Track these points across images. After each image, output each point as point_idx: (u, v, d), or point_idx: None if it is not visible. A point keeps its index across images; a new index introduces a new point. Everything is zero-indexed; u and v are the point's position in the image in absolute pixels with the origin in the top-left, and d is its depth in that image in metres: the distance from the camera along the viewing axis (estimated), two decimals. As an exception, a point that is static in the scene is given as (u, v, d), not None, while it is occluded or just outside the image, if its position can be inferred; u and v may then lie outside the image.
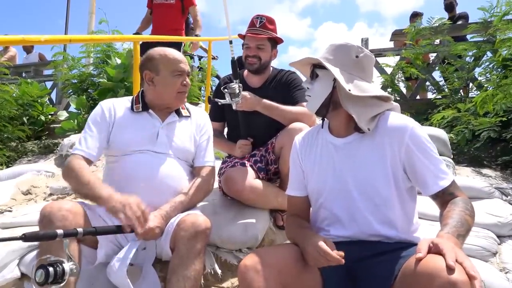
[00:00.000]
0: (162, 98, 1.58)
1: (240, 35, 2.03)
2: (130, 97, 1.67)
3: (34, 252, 1.62)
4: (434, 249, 0.89)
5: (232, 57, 1.91)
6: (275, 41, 2.00)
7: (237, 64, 1.86)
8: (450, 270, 0.83)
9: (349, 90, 1.13)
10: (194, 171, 1.64)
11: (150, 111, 1.59)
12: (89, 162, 1.49)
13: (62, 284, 0.97)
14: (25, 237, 0.97)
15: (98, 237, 1.35)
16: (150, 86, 1.58)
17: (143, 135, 1.53)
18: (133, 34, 4.01)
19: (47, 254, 1.12)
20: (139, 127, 1.55)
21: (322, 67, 1.20)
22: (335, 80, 1.18)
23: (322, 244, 1.04)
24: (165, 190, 1.48)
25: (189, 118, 1.67)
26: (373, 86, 1.22)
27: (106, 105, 1.59)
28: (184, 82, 1.58)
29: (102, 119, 1.54)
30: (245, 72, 2.09)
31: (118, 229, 1.28)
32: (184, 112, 1.67)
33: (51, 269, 0.95)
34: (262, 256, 1.08)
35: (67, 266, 0.98)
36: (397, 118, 1.18)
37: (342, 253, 1.03)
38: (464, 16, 5.20)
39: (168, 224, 1.40)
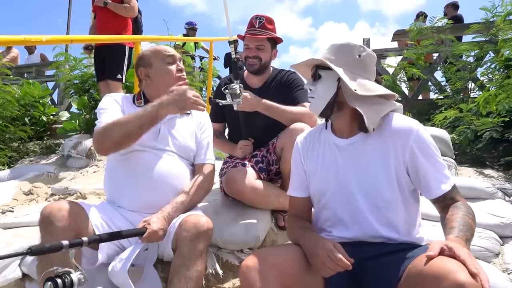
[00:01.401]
0: (161, 89, 1.55)
1: (239, 36, 2.03)
2: (131, 94, 1.68)
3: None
4: (449, 253, 0.89)
5: (233, 58, 1.91)
6: (275, 41, 1.99)
7: (227, 61, 1.87)
8: (460, 268, 0.83)
9: (355, 90, 1.12)
10: (194, 169, 1.64)
11: None
12: None
13: None
14: (32, 252, 0.97)
15: None
16: (147, 81, 1.60)
17: None
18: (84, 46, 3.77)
19: (48, 261, 1.12)
20: None
21: (325, 67, 1.19)
22: (339, 80, 1.17)
23: (335, 251, 1.03)
24: (167, 190, 1.48)
25: (190, 115, 1.68)
26: (377, 85, 1.21)
27: (114, 96, 1.60)
28: (179, 67, 1.60)
29: (115, 103, 1.55)
30: (245, 72, 2.08)
31: (123, 235, 1.28)
32: None
33: (59, 280, 0.94)
34: (263, 257, 1.08)
35: (75, 276, 0.97)
36: (402, 120, 1.17)
37: (352, 260, 1.03)
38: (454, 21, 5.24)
39: (170, 224, 1.40)
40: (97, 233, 1.32)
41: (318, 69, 1.22)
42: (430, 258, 0.89)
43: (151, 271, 1.41)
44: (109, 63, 3.44)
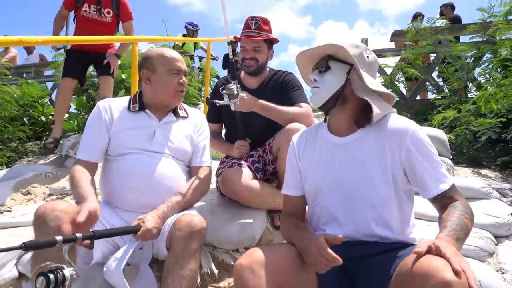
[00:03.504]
0: (159, 97, 1.59)
1: (236, 38, 2.03)
2: (128, 97, 1.68)
3: (32, 252, 1.63)
4: (436, 251, 0.90)
5: (230, 58, 1.91)
6: (271, 42, 2.01)
7: (226, 62, 1.87)
8: (447, 267, 0.83)
9: (368, 83, 1.15)
10: (191, 171, 1.64)
11: (147, 110, 1.60)
12: (94, 165, 1.53)
13: None
14: (25, 246, 0.97)
15: None
16: (147, 85, 1.59)
17: (140, 134, 1.54)
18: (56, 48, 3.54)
19: (42, 258, 1.12)
20: (135, 126, 1.56)
21: (336, 59, 1.20)
22: (348, 73, 1.18)
23: (322, 242, 1.03)
24: (162, 190, 1.49)
25: (186, 119, 1.68)
26: (381, 85, 1.25)
27: (103, 105, 1.60)
28: (181, 81, 1.59)
29: (100, 120, 1.56)
30: (242, 73, 2.09)
31: (117, 232, 1.29)
32: (181, 113, 1.67)
33: (51, 276, 0.95)
34: (257, 255, 1.09)
35: (67, 272, 0.98)
36: (398, 120, 1.19)
37: (340, 260, 1.02)
38: (453, 21, 5.28)
39: (164, 224, 1.41)
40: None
41: (329, 60, 1.21)
42: (417, 255, 0.90)
43: (146, 270, 1.41)
44: (100, 65, 3.41)
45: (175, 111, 1.65)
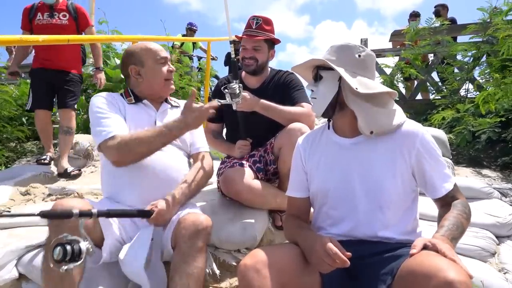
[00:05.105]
0: (152, 88, 1.62)
1: (237, 37, 2.03)
2: (118, 93, 1.67)
3: (32, 253, 1.63)
4: (432, 248, 0.93)
5: (232, 58, 1.91)
6: (272, 42, 2.00)
7: (228, 60, 1.87)
8: (449, 266, 0.85)
9: (356, 88, 1.14)
10: (192, 158, 1.67)
11: (144, 101, 1.62)
12: None
13: (79, 263, 0.98)
14: (43, 214, 0.99)
15: (103, 238, 1.36)
16: (138, 79, 1.61)
17: (142, 126, 1.53)
18: (9, 72, 3.17)
19: (57, 231, 1.12)
20: (136, 117, 1.57)
21: (326, 68, 1.20)
22: (340, 80, 1.18)
23: (330, 245, 1.03)
24: (167, 181, 1.49)
25: (179, 108, 1.71)
26: (378, 84, 1.23)
27: (106, 96, 1.57)
28: (170, 68, 1.64)
29: (113, 102, 1.55)
30: (243, 73, 2.09)
31: (131, 213, 1.30)
32: (173, 102, 1.72)
33: (68, 247, 0.96)
34: (261, 256, 1.08)
35: (84, 245, 0.99)
36: (407, 123, 1.20)
37: (350, 254, 1.02)
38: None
39: (176, 210, 1.43)
40: (103, 229, 1.34)
41: (319, 70, 1.23)
42: (413, 254, 0.94)
43: (158, 264, 1.40)
44: (66, 91, 3.02)
45: (167, 101, 1.70)
